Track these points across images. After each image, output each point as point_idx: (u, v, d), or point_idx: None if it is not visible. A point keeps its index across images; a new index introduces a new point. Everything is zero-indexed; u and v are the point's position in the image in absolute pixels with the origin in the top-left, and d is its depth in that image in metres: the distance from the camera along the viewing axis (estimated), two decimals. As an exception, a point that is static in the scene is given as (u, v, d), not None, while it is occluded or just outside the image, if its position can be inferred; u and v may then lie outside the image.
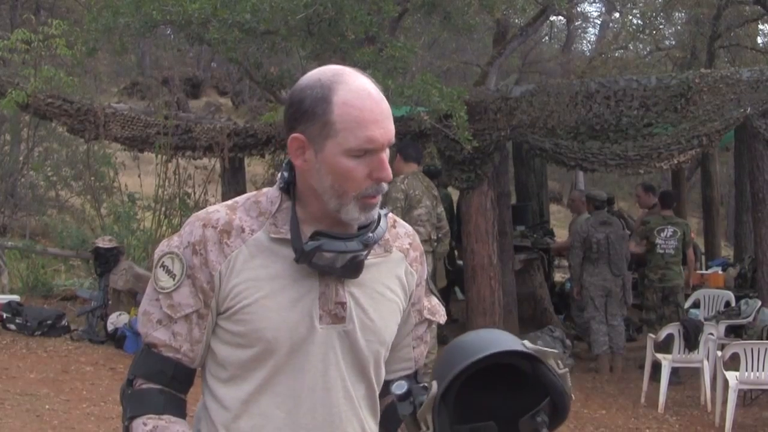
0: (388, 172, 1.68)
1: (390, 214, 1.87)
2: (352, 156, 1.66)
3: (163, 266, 1.73)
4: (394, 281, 1.83)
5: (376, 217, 1.74)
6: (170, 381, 1.73)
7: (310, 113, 1.67)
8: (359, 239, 1.71)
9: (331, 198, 1.70)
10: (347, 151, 1.65)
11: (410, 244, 1.89)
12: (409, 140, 7.99)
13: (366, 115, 1.65)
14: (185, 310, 1.71)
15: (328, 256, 1.69)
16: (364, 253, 1.73)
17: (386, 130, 1.67)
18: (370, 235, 1.73)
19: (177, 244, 1.74)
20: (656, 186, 11.52)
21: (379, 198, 1.72)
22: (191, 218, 1.77)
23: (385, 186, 1.70)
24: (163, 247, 1.76)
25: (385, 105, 1.69)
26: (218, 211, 1.75)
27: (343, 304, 1.74)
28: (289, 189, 1.76)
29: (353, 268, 1.72)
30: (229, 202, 1.80)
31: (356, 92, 1.66)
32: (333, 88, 1.66)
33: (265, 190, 1.82)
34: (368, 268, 1.77)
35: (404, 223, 1.94)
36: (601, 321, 8.59)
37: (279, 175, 1.79)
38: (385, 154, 1.68)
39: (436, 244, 7.20)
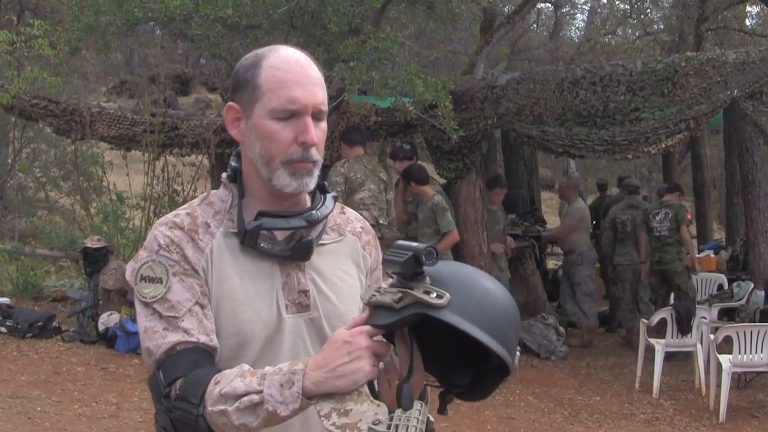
0: (312, 135, 1.68)
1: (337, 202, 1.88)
2: (276, 118, 1.68)
3: (142, 279, 1.67)
4: (351, 266, 1.84)
5: (312, 186, 1.73)
6: (207, 364, 1.63)
7: (242, 81, 1.72)
8: (302, 216, 1.72)
9: (262, 166, 1.71)
10: (271, 111, 1.68)
11: (362, 228, 1.91)
12: (352, 125, 7.86)
13: (290, 76, 1.69)
14: (187, 305, 1.66)
15: (277, 239, 1.71)
16: (311, 232, 1.74)
17: (311, 93, 1.69)
18: (314, 212, 1.74)
19: (146, 255, 1.70)
20: (648, 171, 11.50)
21: (313, 166, 1.71)
22: (151, 230, 1.73)
23: (314, 152, 1.70)
24: (133, 266, 1.71)
25: (314, 72, 1.72)
26: (178, 214, 1.75)
27: (305, 292, 1.74)
28: (236, 177, 1.78)
29: (302, 250, 1.72)
30: (184, 206, 1.79)
31: (284, 57, 1.72)
32: (264, 55, 1.72)
33: (212, 191, 1.81)
34: (325, 254, 1.78)
35: (351, 209, 1.96)
36: (629, 302, 9.41)
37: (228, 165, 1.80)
38: (310, 119, 1.69)
39: (386, 230, 7.10)
